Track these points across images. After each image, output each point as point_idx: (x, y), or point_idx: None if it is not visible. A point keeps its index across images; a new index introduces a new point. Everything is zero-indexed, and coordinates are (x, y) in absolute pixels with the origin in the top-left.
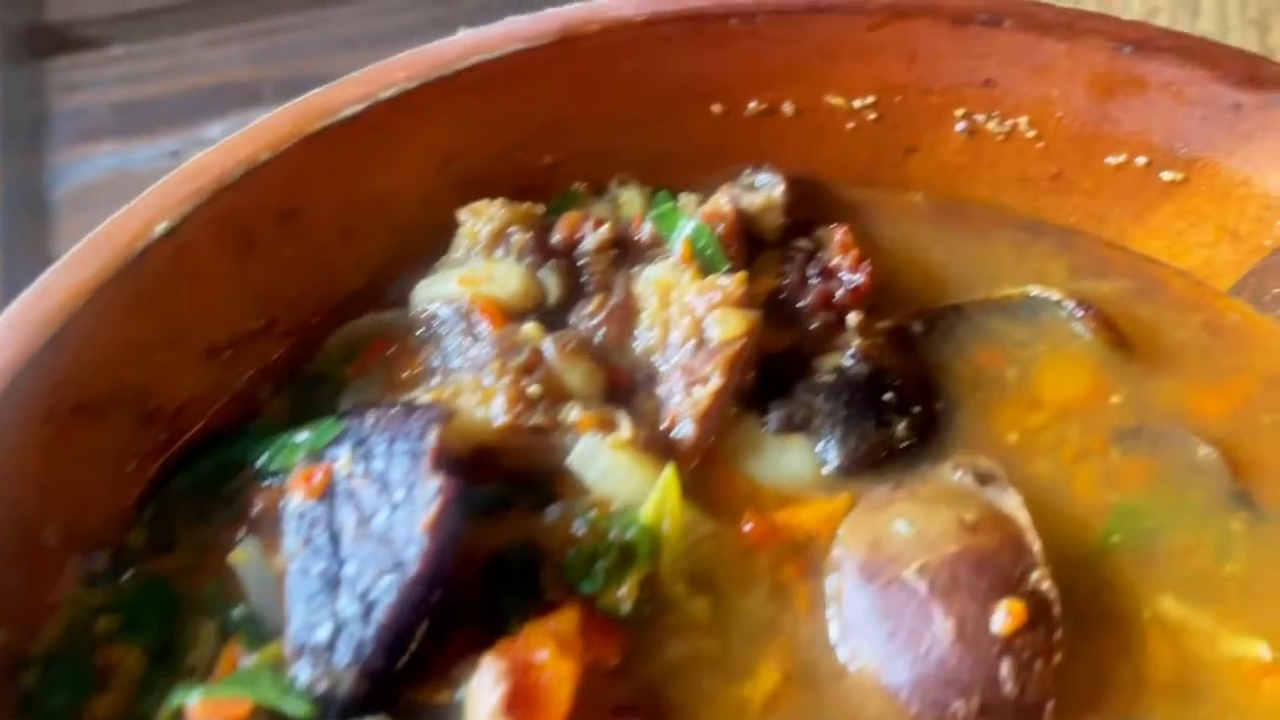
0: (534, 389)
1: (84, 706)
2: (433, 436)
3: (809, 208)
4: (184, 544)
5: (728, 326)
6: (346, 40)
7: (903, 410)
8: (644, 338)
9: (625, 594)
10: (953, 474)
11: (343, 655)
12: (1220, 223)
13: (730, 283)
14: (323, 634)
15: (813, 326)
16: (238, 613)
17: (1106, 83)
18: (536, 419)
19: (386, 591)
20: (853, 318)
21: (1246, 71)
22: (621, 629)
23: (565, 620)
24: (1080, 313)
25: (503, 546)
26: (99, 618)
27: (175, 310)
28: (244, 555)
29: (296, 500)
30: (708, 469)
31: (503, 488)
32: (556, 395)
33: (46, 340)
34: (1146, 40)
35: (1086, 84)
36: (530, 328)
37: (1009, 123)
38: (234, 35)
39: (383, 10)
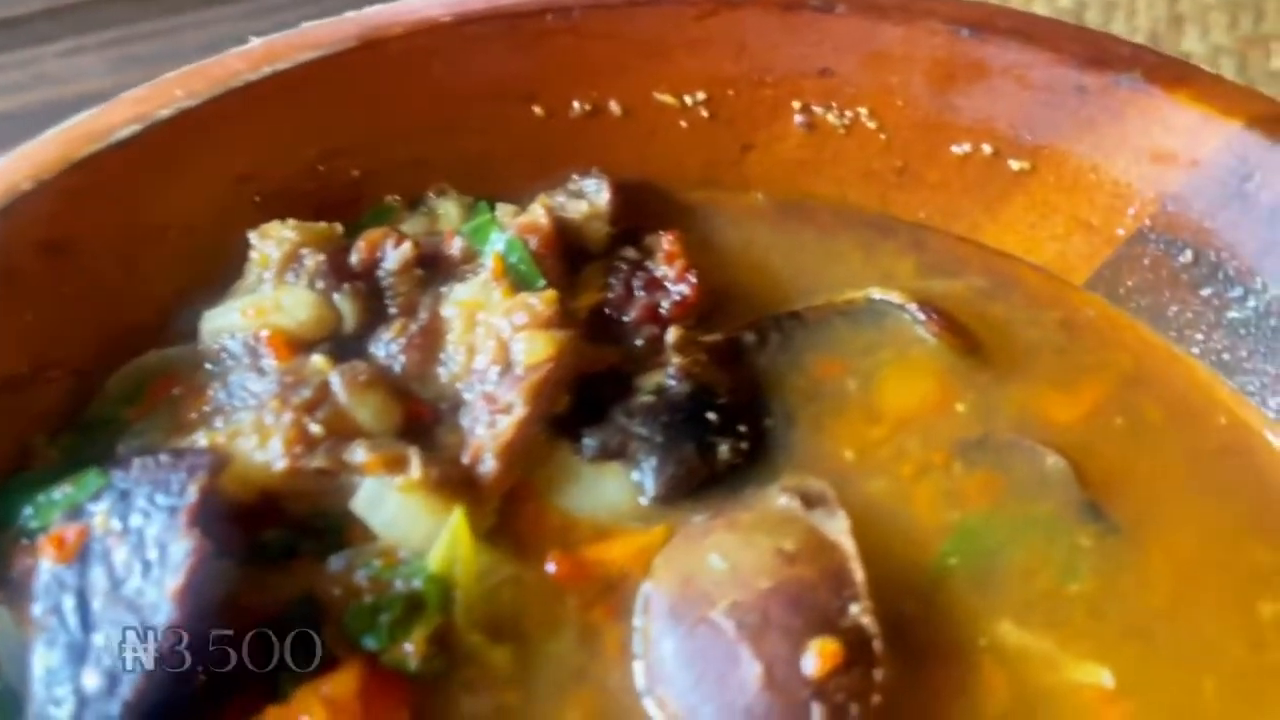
0: (316, 428)
1: None
2: (193, 490)
3: (642, 213)
4: None
5: (534, 350)
6: (209, 46)
7: (727, 430)
8: (450, 364)
9: (413, 649)
10: (779, 498)
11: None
12: (1072, 214)
13: (538, 302)
14: (64, 713)
15: (638, 343)
16: None
17: (946, 68)
18: (318, 461)
19: (133, 665)
20: (672, 333)
21: (1090, 52)
22: (411, 687)
23: (341, 682)
24: (924, 316)
25: (283, 602)
26: None
27: None
28: None
29: (47, 564)
30: (518, 503)
31: (288, 535)
32: (344, 433)
33: None
34: (984, 21)
35: (926, 70)
36: (318, 360)
37: (849, 114)
38: (93, 44)
39: (249, 13)
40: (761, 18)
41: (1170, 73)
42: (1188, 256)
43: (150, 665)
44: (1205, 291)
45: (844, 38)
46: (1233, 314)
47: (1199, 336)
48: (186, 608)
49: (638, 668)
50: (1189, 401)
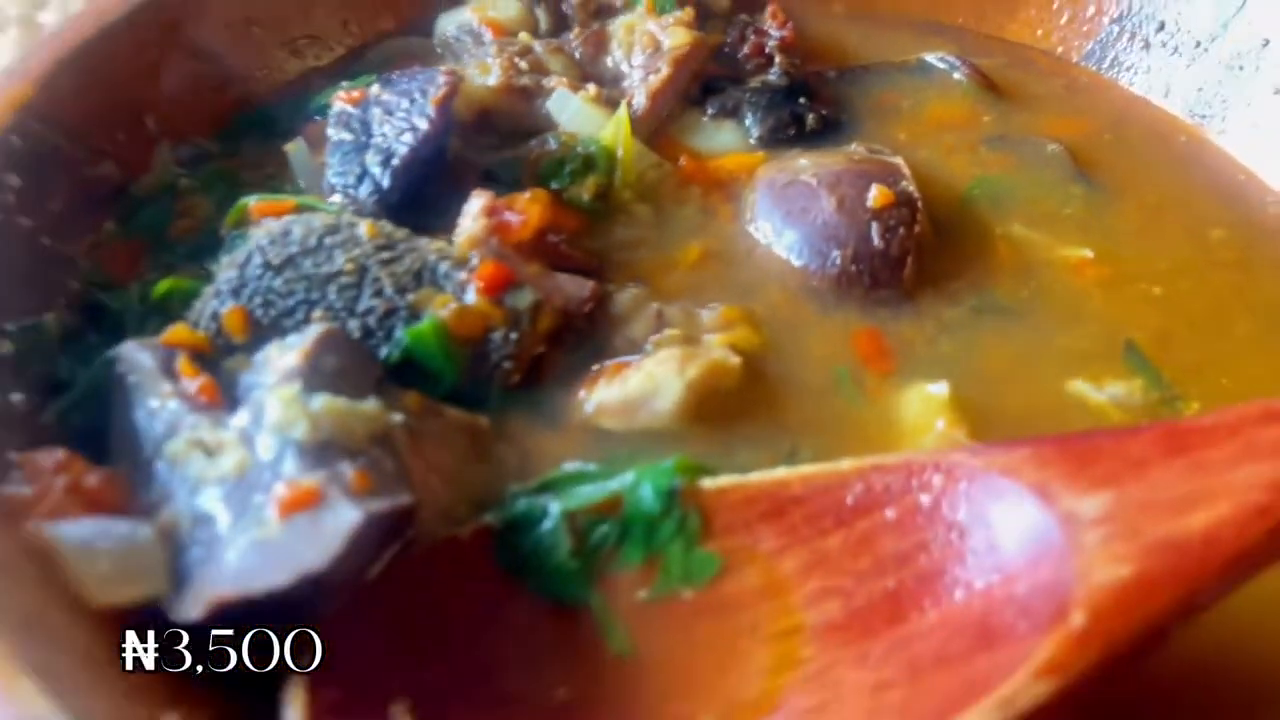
0: (523, 64)
1: (167, 227)
2: (443, 81)
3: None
4: (248, 152)
5: (677, 37)
6: None
7: (813, 110)
8: (615, 58)
9: (585, 189)
10: (852, 147)
11: (366, 190)
12: (1071, 9)
13: (681, 12)
14: (351, 178)
15: (748, 68)
16: (288, 189)
17: None
18: (524, 81)
19: (402, 145)
20: (777, 55)
21: None
22: (581, 214)
23: (538, 194)
24: (961, 64)
25: (494, 163)
26: (180, 179)
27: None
28: (295, 146)
29: (338, 107)
30: (657, 142)
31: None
32: (541, 71)
33: None
34: None
35: None
36: (524, 35)
37: None
38: None
39: None
40: None
41: None
42: (1156, 25)
43: (415, 146)
44: (1173, 56)
45: None
46: (1194, 67)
47: (1171, 86)
48: (444, 113)
49: (746, 217)
50: (1160, 127)
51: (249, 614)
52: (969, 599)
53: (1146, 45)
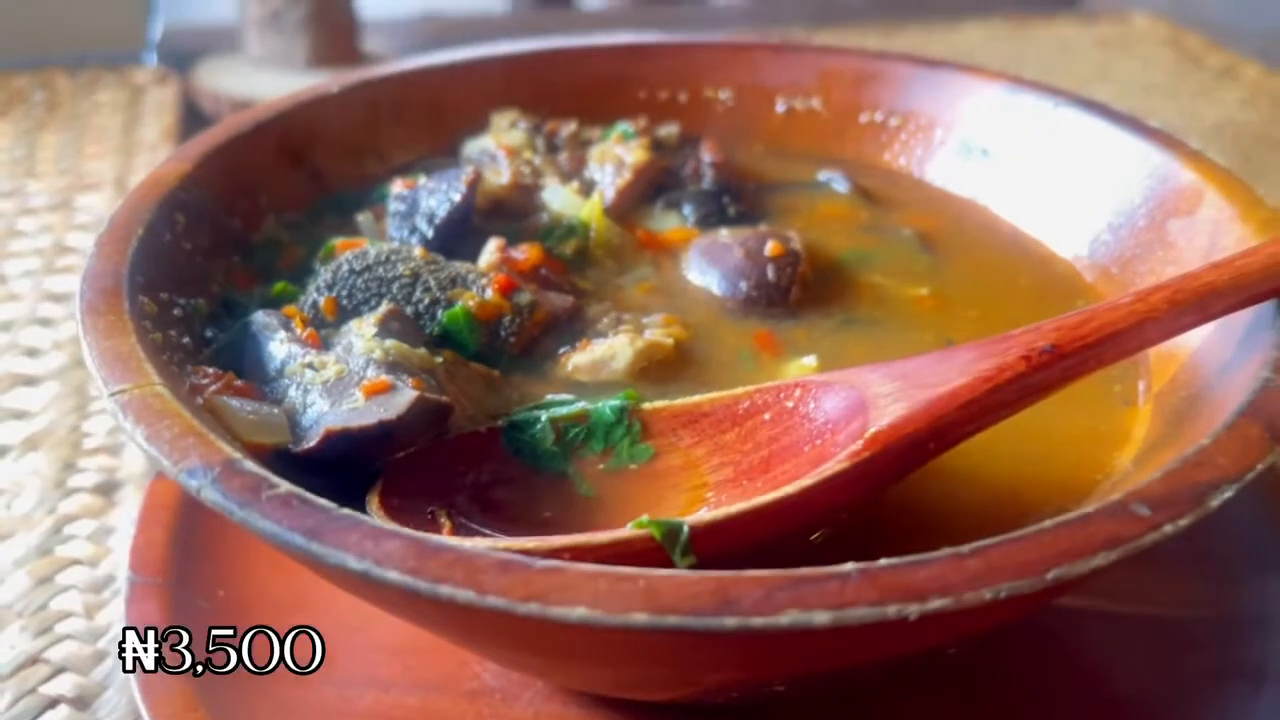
0: (526, 170)
1: (276, 262)
2: (469, 174)
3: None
4: (329, 223)
5: (638, 154)
6: None
7: (734, 205)
8: (591, 170)
9: (568, 247)
10: (759, 227)
11: (415, 240)
12: (924, 142)
13: (638, 142)
14: (405, 233)
15: (688, 182)
16: None
17: (858, 76)
18: (526, 180)
19: (441, 210)
20: (710, 170)
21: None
22: (564, 263)
23: (534, 244)
24: (845, 180)
25: (503, 230)
26: (283, 234)
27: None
28: (364, 216)
29: (396, 189)
30: (622, 224)
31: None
32: (538, 175)
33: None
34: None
35: (850, 80)
36: (527, 153)
37: (807, 104)
38: None
39: None
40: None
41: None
42: (980, 151)
43: (452, 210)
44: (992, 169)
45: (807, 68)
46: (1009, 176)
47: (994, 189)
48: (470, 190)
49: (684, 269)
50: (984, 217)
51: (345, 446)
52: (811, 449)
53: (974, 162)
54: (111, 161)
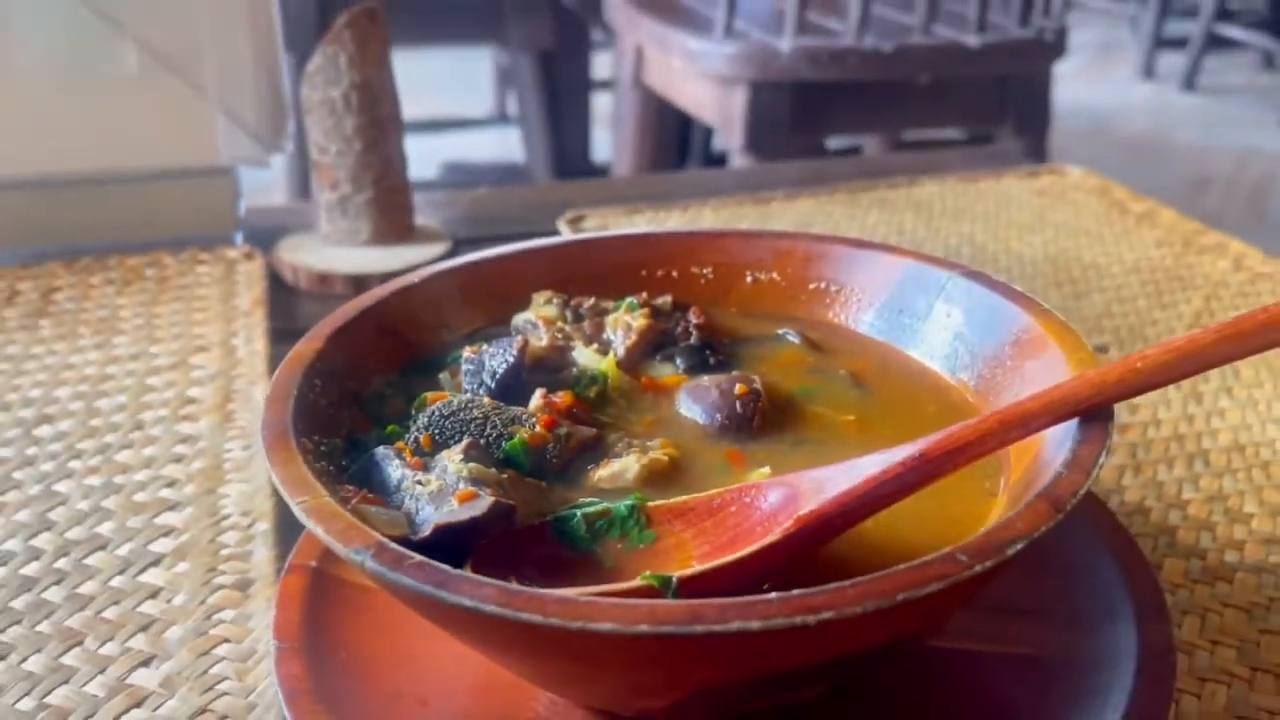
0: (559, 336)
1: (382, 412)
2: (518, 341)
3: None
4: (415, 382)
5: (639, 321)
6: None
7: (714, 357)
8: (607, 334)
9: (591, 392)
10: (732, 373)
11: (482, 391)
12: (859, 300)
13: (641, 311)
14: (474, 387)
15: (679, 339)
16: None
17: (807, 255)
18: (560, 343)
19: (500, 369)
20: (695, 332)
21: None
22: (588, 403)
23: (566, 392)
24: (797, 335)
25: (546, 382)
26: (387, 389)
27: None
28: (444, 375)
29: (466, 354)
30: (631, 372)
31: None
32: (569, 339)
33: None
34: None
35: (800, 259)
36: (559, 322)
37: (768, 276)
38: None
39: None
40: (738, 240)
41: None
42: (897, 310)
43: (508, 368)
44: (907, 324)
45: (767, 250)
46: (920, 331)
47: (908, 340)
48: (522, 352)
49: (675, 406)
50: (904, 360)
51: (447, 536)
52: (760, 529)
53: (894, 318)
54: (215, 326)
